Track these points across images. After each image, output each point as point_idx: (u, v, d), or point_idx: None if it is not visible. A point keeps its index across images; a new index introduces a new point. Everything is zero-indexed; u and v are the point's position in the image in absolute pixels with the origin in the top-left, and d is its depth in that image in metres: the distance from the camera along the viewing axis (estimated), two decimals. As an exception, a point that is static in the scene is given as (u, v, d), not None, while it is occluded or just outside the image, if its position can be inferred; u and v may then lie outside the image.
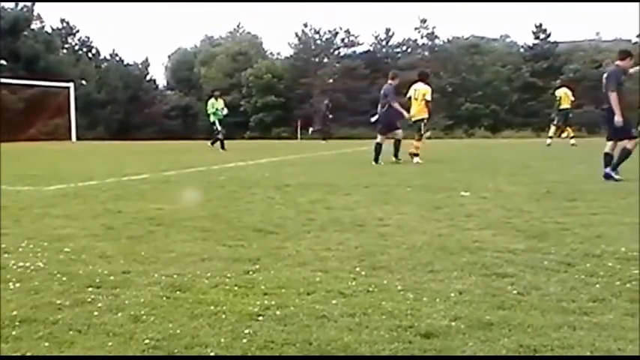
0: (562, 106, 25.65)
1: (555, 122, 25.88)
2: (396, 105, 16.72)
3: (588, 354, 2.72)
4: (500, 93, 70.17)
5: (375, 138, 16.56)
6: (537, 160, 17.12)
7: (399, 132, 16.86)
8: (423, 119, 16.89)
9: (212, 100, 25.49)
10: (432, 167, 14.17)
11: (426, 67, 70.35)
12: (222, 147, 23.51)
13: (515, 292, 3.63)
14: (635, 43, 70.55)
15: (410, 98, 17.30)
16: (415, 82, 17.53)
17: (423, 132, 16.92)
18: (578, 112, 67.36)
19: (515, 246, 4.88)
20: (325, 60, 74.89)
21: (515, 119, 68.49)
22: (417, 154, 16.15)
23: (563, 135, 25.72)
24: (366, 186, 9.70)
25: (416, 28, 74.48)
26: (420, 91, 17.03)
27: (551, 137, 25.65)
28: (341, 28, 75.70)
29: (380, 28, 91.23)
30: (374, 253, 4.66)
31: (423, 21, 73.88)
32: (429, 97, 17.23)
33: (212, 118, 25.11)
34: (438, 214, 6.70)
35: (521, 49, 75.75)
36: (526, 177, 11.21)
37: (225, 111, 25.50)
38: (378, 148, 16.05)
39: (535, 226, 5.83)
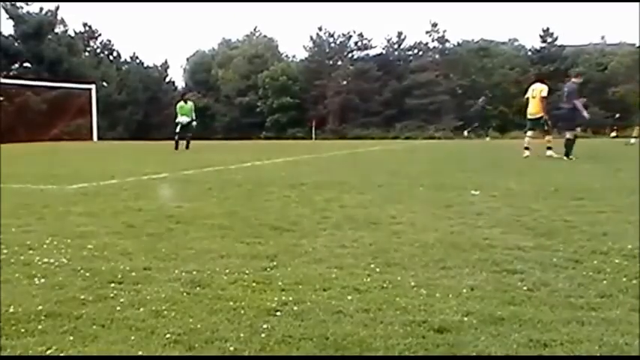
0: None
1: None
2: (578, 103, 18.08)
3: (596, 348, 2.79)
4: (508, 95, 70.20)
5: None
6: (544, 159, 17.11)
7: (577, 130, 18.64)
8: (542, 117, 18.43)
9: (181, 102, 25.82)
10: (443, 167, 14.24)
11: (436, 69, 70.82)
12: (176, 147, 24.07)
13: (525, 288, 3.70)
14: (639, 46, 70.52)
15: (528, 99, 18.70)
16: (533, 82, 19.16)
17: (548, 127, 18.63)
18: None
19: (525, 243, 4.95)
20: (339, 62, 75.07)
21: (522, 120, 68.40)
22: (550, 147, 17.67)
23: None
24: (380, 185, 9.78)
25: (427, 32, 74.56)
26: (538, 89, 18.44)
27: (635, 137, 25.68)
28: (354, 32, 75.82)
29: (392, 31, 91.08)
30: (388, 250, 4.75)
31: (434, 25, 73.86)
32: (544, 94, 18.57)
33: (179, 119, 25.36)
34: (449, 212, 6.79)
35: (529, 53, 75.96)
36: (534, 176, 11.30)
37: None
38: (570, 143, 17.35)
39: (543, 224, 5.91)
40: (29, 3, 57.11)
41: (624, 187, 9.06)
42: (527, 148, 17.96)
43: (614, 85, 66.46)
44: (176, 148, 23.88)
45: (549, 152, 17.52)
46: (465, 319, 3.16)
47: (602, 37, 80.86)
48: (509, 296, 3.53)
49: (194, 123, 24.97)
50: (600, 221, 6.05)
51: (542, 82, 18.90)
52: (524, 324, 3.08)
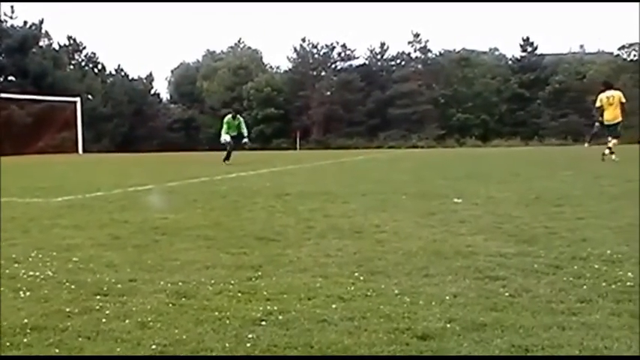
0: None
1: None
2: None
3: (577, 353, 2.83)
4: (489, 103, 70.98)
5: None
6: (526, 167, 17.27)
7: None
8: (620, 122, 18.90)
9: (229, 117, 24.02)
10: (426, 176, 14.33)
11: (418, 79, 71.29)
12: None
13: (507, 294, 3.75)
14: (617, 55, 71.35)
15: (601, 107, 19.05)
16: (602, 91, 19.48)
17: (620, 133, 19.07)
18: (562, 121, 68.10)
19: (507, 250, 5.01)
20: (323, 73, 75.47)
21: (504, 128, 69.37)
22: (613, 152, 18.26)
23: None
24: (363, 194, 9.84)
25: (409, 42, 75.27)
26: (616, 97, 18.99)
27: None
28: (338, 43, 76.33)
29: (375, 42, 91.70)
30: (372, 259, 4.79)
31: (416, 35, 74.51)
32: (623, 100, 19.03)
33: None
34: (433, 220, 6.84)
35: (510, 62, 76.97)
36: (515, 184, 11.41)
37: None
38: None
39: (525, 231, 5.97)
40: (14, 16, 56.97)
41: (603, 194, 9.17)
42: (612, 152, 18.61)
43: (592, 94, 66.83)
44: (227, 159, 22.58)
45: (614, 156, 18.23)
46: (448, 325, 3.19)
47: (581, 46, 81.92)
48: (492, 302, 3.57)
49: (246, 140, 23.38)
50: (580, 227, 6.12)
51: (613, 88, 19.61)
52: (506, 330, 3.12)
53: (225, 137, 23.08)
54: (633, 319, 3.22)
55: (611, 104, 18.84)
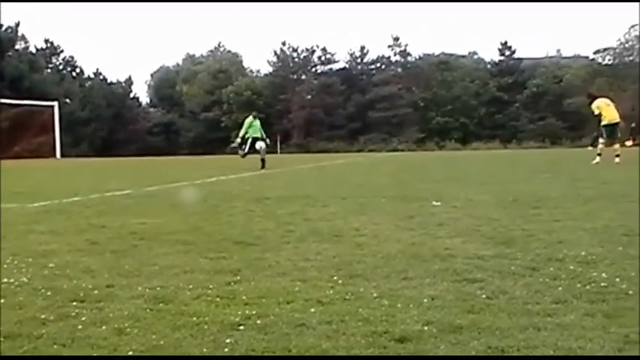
0: None
1: None
2: None
3: (552, 353, 2.85)
4: (469, 107, 71.58)
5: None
6: (504, 170, 17.38)
7: None
8: (617, 123, 19.84)
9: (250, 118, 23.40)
10: (406, 179, 14.39)
11: (398, 83, 71.75)
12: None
13: (484, 296, 3.77)
14: (593, 59, 72.22)
15: (599, 114, 19.79)
16: (590, 103, 20.44)
17: (617, 135, 20.07)
18: (540, 124, 68.92)
19: (484, 252, 5.04)
20: (303, 77, 75.64)
21: (483, 131, 70.10)
22: (618, 155, 19.12)
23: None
24: (343, 198, 9.85)
25: (389, 46, 75.81)
26: (606, 101, 20.09)
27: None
28: (318, 46, 76.68)
29: (355, 45, 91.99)
30: (351, 262, 4.79)
31: (396, 39, 74.99)
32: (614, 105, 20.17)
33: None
34: (411, 223, 6.87)
35: (488, 66, 77.76)
36: (494, 186, 11.51)
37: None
38: None
39: (502, 233, 6.01)
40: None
41: (580, 196, 9.26)
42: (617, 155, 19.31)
43: (569, 97, 67.78)
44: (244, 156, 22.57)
45: (617, 159, 18.90)
46: (426, 328, 3.20)
47: (558, 51, 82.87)
48: (469, 305, 3.59)
49: (263, 142, 22.72)
50: (556, 229, 6.18)
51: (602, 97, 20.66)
52: (482, 331, 3.14)
53: (238, 140, 22.93)
54: (606, 319, 3.26)
55: (608, 105, 19.72)
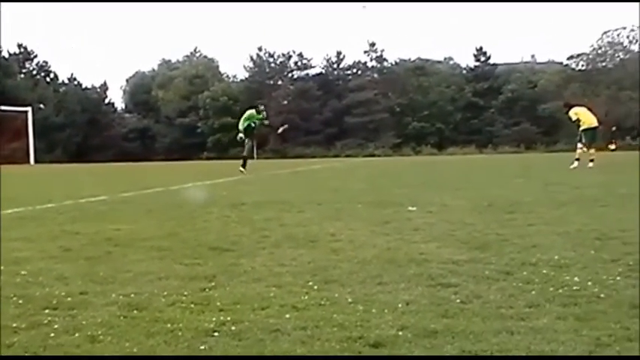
0: None
1: None
2: None
3: (523, 355, 2.88)
4: (444, 112, 72.18)
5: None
6: (480, 174, 17.50)
7: None
8: (595, 127, 20.20)
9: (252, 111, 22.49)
10: (382, 184, 14.45)
11: (374, 88, 72.17)
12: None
13: (458, 300, 3.78)
14: (566, 65, 73.14)
15: (577, 119, 20.23)
16: (567, 111, 20.91)
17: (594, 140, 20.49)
18: (515, 129, 69.75)
19: (459, 257, 5.06)
20: (279, 82, 75.81)
21: (459, 137, 70.77)
22: (592, 160, 19.36)
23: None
24: (319, 203, 9.86)
25: (365, 51, 76.21)
26: (583, 108, 20.58)
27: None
28: (294, 52, 76.83)
29: (331, 51, 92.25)
30: (326, 268, 4.80)
31: (372, 44, 75.41)
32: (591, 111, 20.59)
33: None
34: (387, 228, 6.88)
35: (464, 71, 78.46)
36: (469, 191, 11.59)
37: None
38: None
39: (477, 238, 6.05)
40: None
41: (553, 201, 9.34)
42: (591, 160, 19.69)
43: (543, 102, 68.59)
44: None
45: (591, 164, 19.16)
46: (400, 333, 3.21)
47: (532, 56, 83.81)
48: (443, 309, 3.60)
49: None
50: (530, 233, 6.23)
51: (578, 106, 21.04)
52: (456, 336, 3.15)
53: (241, 135, 21.76)
54: (578, 322, 3.29)
55: (586, 111, 20.12)
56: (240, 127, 21.67)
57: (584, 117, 19.84)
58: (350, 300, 3.86)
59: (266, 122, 22.39)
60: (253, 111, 22.22)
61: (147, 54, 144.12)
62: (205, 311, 3.71)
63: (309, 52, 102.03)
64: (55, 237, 6.75)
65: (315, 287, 4.20)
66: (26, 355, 2.93)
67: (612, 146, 29.67)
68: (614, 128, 38.45)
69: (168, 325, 3.43)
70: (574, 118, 20.16)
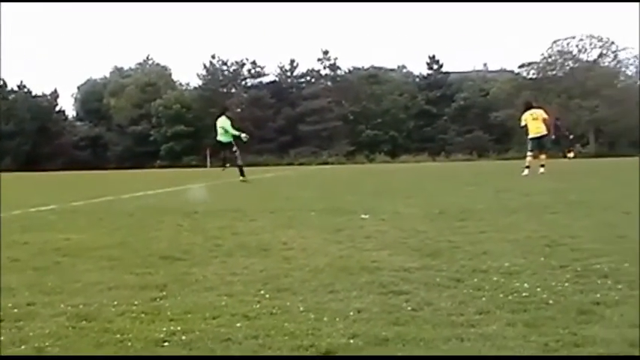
0: None
1: None
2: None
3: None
4: (398, 120, 72.86)
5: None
6: (432, 182, 17.66)
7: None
8: (545, 135, 20.31)
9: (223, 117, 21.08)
10: (335, 192, 14.49)
11: (328, 96, 72.49)
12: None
13: (409, 308, 3.80)
14: (518, 73, 74.53)
15: (525, 125, 20.35)
16: (524, 111, 20.88)
17: (548, 146, 20.67)
18: (467, 137, 70.78)
19: (411, 264, 5.08)
20: (233, 90, 75.68)
21: (412, 144, 71.55)
22: (543, 165, 19.50)
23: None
24: (272, 211, 9.83)
25: (319, 59, 76.40)
26: (538, 113, 20.49)
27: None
28: (247, 60, 76.72)
29: (285, 59, 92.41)
30: (278, 276, 4.78)
31: (325, 52, 75.78)
32: (545, 116, 20.61)
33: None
34: (340, 236, 6.90)
35: (417, 79, 79.23)
36: (421, 199, 11.68)
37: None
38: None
39: (429, 245, 6.08)
40: None
41: (504, 208, 9.46)
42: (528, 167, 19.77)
43: (495, 110, 69.67)
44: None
45: (542, 169, 19.25)
46: (352, 341, 3.22)
47: (484, 65, 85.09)
48: (395, 317, 3.61)
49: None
50: (481, 241, 6.28)
51: (536, 107, 21.11)
52: (407, 343, 3.17)
53: (244, 135, 20.68)
54: (527, 328, 3.33)
55: (535, 119, 20.13)
56: (236, 132, 20.60)
57: (530, 125, 20.10)
58: (301, 308, 3.85)
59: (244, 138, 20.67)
60: (227, 119, 20.92)
61: (99, 61, 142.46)
62: (156, 321, 3.67)
63: (263, 60, 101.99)
64: (3, 247, 6.59)
65: (267, 296, 4.19)
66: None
67: (571, 154, 30.16)
68: (571, 136, 39.08)
69: (118, 336, 3.39)
70: (522, 124, 20.49)
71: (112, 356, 2.87)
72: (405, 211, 9.34)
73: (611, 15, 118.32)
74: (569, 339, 3.14)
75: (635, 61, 72.71)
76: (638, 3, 70.86)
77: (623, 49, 72.21)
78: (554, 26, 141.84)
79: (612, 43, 72.32)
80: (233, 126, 20.75)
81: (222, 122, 20.80)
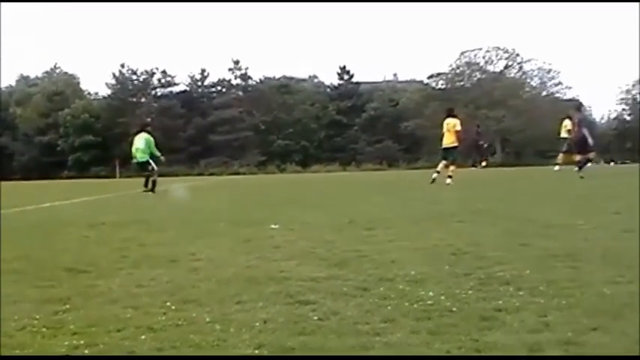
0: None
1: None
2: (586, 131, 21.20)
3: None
4: (309, 130, 73.37)
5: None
6: (342, 192, 17.84)
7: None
8: (454, 147, 20.19)
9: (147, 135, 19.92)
10: (246, 202, 14.47)
11: (239, 106, 72.32)
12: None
13: (315, 317, 3.83)
14: (427, 84, 76.35)
15: (442, 133, 20.48)
16: (444, 118, 20.83)
17: (455, 157, 20.31)
18: (378, 147, 71.85)
19: (318, 274, 5.11)
20: (142, 99, 74.66)
21: (323, 154, 72.08)
22: (451, 176, 19.36)
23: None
24: (181, 222, 9.75)
25: (230, 69, 76.05)
26: (450, 123, 20.27)
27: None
28: (157, 69, 75.83)
29: (195, 68, 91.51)
30: (185, 288, 4.74)
31: (237, 62, 75.45)
32: (458, 128, 20.31)
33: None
34: (248, 246, 6.88)
35: (328, 89, 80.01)
36: (331, 208, 11.76)
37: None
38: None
39: (336, 255, 6.12)
40: None
41: (413, 216, 9.64)
42: (437, 172, 20.01)
43: (405, 120, 70.96)
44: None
45: (449, 180, 19.18)
46: (257, 351, 3.22)
47: (395, 75, 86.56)
48: (301, 327, 3.63)
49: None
50: (389, 249, 6.36)
51: (454, 116, 20.77)
52: (312, 353, 3.19)
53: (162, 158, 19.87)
54: (430, 335, 3.40)
55: (448, 130, 20.35)
56: (158, 153, 19.65)
57: (445, 137, 20.45)
58: (208, 319, 3.83)
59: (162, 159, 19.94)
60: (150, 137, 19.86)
61: (4, 69, 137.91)
62: (58, 335, 3.59)
63: (173, 70, 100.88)
64: None
65: (173, 307, 4.15)
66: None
67: (484, 163, 30.94)
68: (485, 145, 40.05)
69: (18, 351, 3.31)
70: (444, 129, 20.80)
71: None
72: (315, 220, 9.38)
73: (516, 26, 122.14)
74: (471, 345, 3.22)
75: (539, 73, 75.41)
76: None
77: (528, 60, 74.79)
78: (463, 37, 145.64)
79: (517, 54, 74.79)
80: (156, 144, 19.75)
81: (146, 141, 19.58)
